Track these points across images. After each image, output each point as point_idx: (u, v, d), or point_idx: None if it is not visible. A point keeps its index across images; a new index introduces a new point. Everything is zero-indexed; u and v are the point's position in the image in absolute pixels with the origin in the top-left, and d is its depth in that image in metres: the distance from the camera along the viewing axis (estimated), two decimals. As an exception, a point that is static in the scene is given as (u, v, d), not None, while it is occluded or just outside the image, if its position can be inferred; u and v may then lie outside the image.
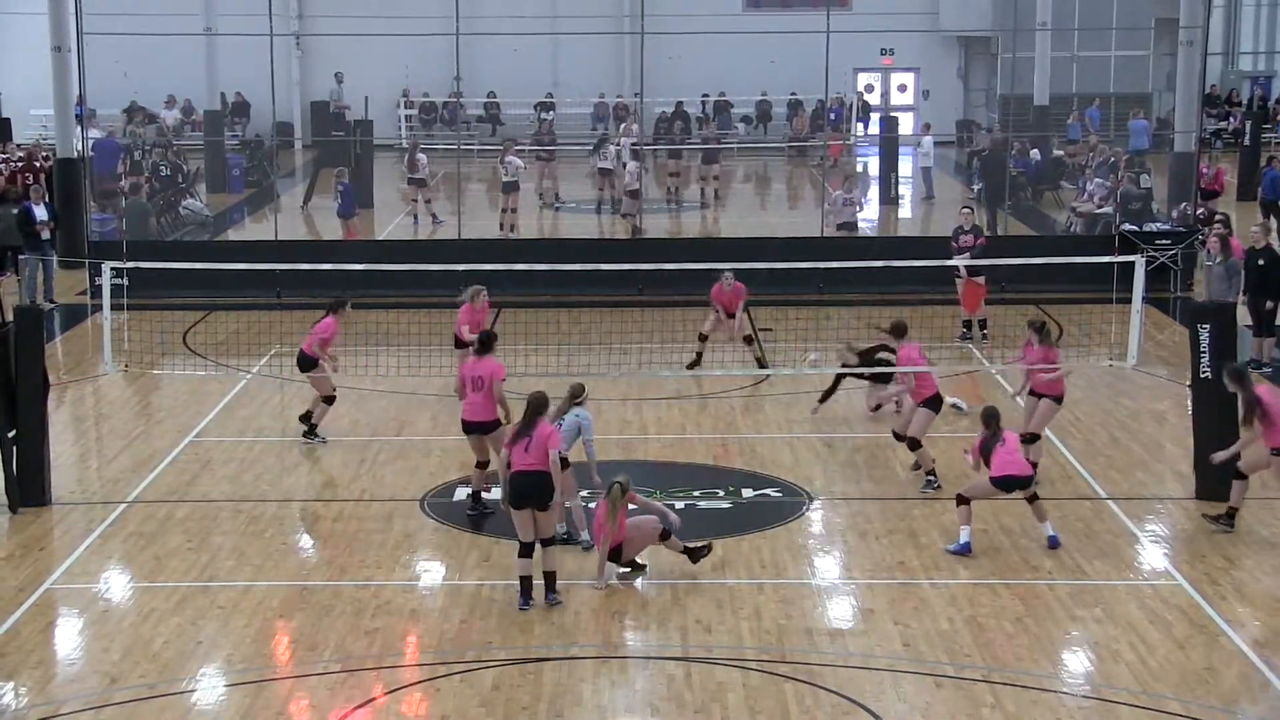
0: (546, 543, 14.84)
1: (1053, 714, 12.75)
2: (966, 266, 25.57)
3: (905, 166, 44.46)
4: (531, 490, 14.68)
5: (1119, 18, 50.40)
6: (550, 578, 14.86)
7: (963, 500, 16.32)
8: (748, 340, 23.95)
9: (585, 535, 16.22)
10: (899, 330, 19.24)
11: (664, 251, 31.13)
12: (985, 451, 16.18)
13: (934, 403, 18.41)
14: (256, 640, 14.24)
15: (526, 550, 14.78)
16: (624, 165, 35.96)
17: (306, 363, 20.22)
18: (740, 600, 15.05)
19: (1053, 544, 16.30)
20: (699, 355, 23.59)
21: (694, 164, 44.33)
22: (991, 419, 16.37)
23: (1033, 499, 16.44)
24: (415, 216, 37.51)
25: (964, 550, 16.10)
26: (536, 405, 15.00)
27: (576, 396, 16.40)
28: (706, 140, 43.18)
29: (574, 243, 32.55)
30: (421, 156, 37.67)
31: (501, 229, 34.97)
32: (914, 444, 18.40)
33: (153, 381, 23.63)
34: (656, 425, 21.11)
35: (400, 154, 48.03)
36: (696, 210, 40.92)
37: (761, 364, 23.75)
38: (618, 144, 38.45)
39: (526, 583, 14.79)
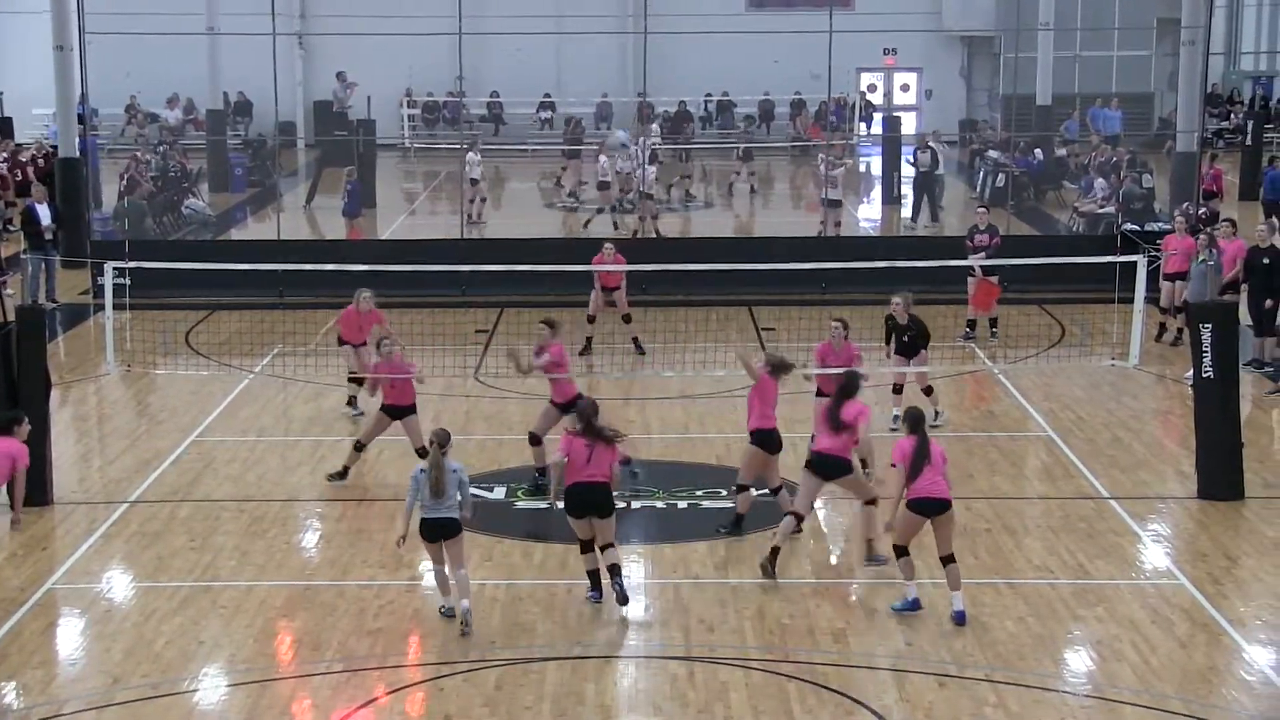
0: (605, 548, 14.72)
1: (1055, 713, 12.74)
2: (981, 266, 25.58)
3: (908, 166, 44.29)
4: (595, 501, 14.64)
5: (1121, 18, 50.34)
6: (616, 569, 14.65)
7: (902, 551, 14.55)
8: (626, 319, 24.66)
9: (465, 603, 14.28)
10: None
11: (672, 252, 31.03)
12: (916, 465, 14.25)
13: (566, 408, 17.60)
14: (259, 640, 14.24)
15: (588, 546, 14.80)
16: (636, 166, 35.88)
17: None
18: (743, 600, 15.04)
19: (959, 619, 14.37)
20: (588, 340, 24.54)
21: (685, 164, 44.26)
22: (919, 423, 14.62)
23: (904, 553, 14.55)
24: (469, 215, 37.19)
25: (913, 607, 14.55)
26: (594, 412, 14.94)
27: (444, 444, 14.44)
28: (750, 140, 43.10)
29: (582, 242, 32.43)
30: (473, 155, 37.44)
31: (472, 219, 35.24)
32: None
33: (155, 381, 23.64)
34: (660, 425, 21.10)
35: (402, 154, 48.06)
36: (700, 210, 40.84)
37: (639, 347, 24.38)
38: (638, 144, 38.29)
39: (595, 576, 14.83)
